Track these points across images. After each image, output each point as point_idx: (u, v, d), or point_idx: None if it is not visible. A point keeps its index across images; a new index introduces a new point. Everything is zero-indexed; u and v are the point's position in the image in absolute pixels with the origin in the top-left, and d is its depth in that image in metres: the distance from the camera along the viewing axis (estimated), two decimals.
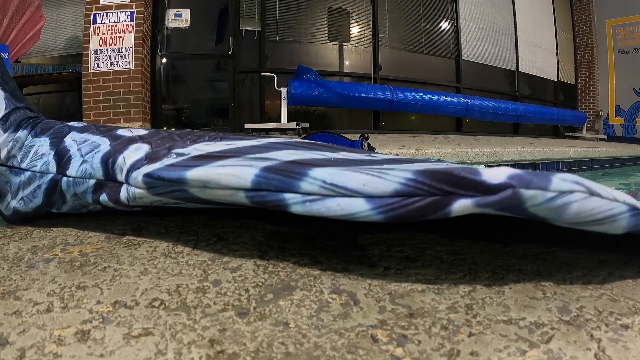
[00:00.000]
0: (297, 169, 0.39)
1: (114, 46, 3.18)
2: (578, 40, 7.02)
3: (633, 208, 0.35)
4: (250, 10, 4.14)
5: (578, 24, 7.03)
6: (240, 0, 4.01)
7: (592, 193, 0.34)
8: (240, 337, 0.33)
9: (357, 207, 0.36)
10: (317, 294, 0.40)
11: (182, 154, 0.51)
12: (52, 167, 0.59)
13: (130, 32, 3.20)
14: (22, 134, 0.65)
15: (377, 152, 0.63)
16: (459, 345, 0.31)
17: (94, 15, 3.17)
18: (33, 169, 0.60)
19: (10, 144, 0.63)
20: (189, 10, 3.64)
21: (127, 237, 0.57)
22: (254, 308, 0.37)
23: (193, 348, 0.31)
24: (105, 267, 0.47)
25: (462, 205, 0.33)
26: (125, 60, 3.18)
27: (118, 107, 3.16)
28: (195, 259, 0.49)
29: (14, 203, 0.61)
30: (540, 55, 6.31)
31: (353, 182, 0.36)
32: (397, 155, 2.16)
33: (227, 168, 0.42)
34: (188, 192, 0.45)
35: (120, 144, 0.57)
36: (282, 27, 4.35)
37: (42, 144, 0.62)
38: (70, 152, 0.59)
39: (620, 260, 0.47)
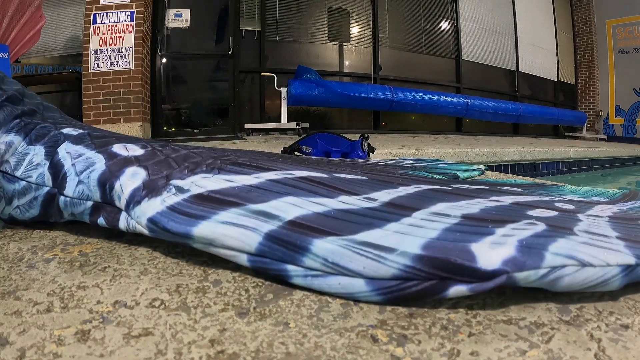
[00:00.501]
0: (299, 241, 0.41)
1: (114, 46, 3.18)
2: (578, 40, 7.03)
3: (626, 268, 0.37)
4: (250, 10, 4.14)
5: (578, 24, 7.04)
6: (240, 0, 4.01)
7: (584, 264, 0.36)
8: (241, 337, 0.33)
9: (358, 287, 0.38)
10: (317, 294, 0.40)
11: (181, 189, 0.51)
12: (48, 180, 0.58)
13: (130, 32, 3.19)
14: (15, 138, 0.62)
15: (370, 185, 0.60)
16: (459, 345, 0.31)
17: (94, 15, 3.17)
18: (28, 179, 0.59)
19: (3, 147, 0.61)
20: (189, 10, 3.64)
21: (127, 237, 0.57)
22: (254, 308, 0.37)
23: (193, 348, 0.31)
24: (105, 267, 0.47)
25: (457, 290, 0.35)
26: (125, 60, 3.18)
27: (118, 107, 3.16)
28: (195, 259, 0.49)
29: (9, 210, 0.61)
30: (540, 55, 6.31)
31: (354, 264, 0.38)
32: (397, 155, 2.16)
33: (233, 229, 0.43)
34: (190, 246, 0.46)
35: (116, 165, 0.56)
36: (282, 27, 4.35)
37: (37, 153, 0.61)
38: (65, 168, 0.58)
39: None
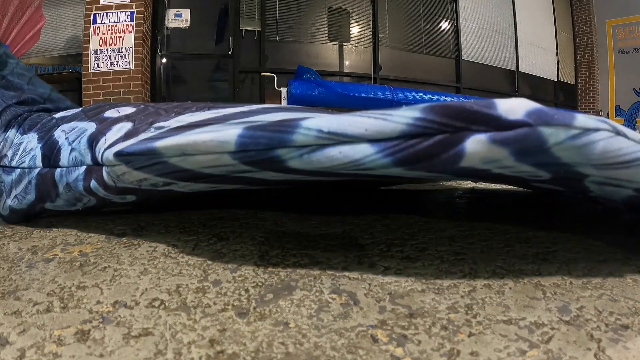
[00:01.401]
0: (286, 123, 0.35)
1: (114, 46, 3.18)
2: (578, 40, 7.02)
3: None
4: (250, 10, 4.14)
5: (578, 24, 7.03)
6: (240, 0, 4.01)
7: (618, 132, 0.31)
8: (240, 337, 0.33)
9: (362, 151, 0.32)
10: (317, 294, 0.40)
11: (161, 128, 0.48)
12: (39, 161, 0.58)
13: (130, 32, 3.20)
14: (11, 133, 0.65)
15: None
16: (459, 345, 0.31)
17: (94, 15, 3.17)
18: (22, 165, 0.59)
19: (1, 144, 0.63)
20: (189, 10, 3.64)
21: (127, 237, 0.57)
22: (254, 308, 0.37)
23: (193, 348, 0.31)
24: (105, 267, 0.47)
25: (476, 142, 0.30)
26: (125, 60, 3.18)
27: None
28: (195, 259, 0.49)
29: (9, 202, 0.61)
30: (540, 55, 6.31)
31: (354, 128, 0.32)
32: None
33: (204, 133, 0.37)
34: (169, 164, 0.40)
35: (105, 125, 0.55)
36: (282, 27, 4.34)
37: (30, 140, 0.62)
38: (59, 143, 0.57)
39: (620, 260, 0.47)
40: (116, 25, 3.19)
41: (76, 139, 0.56)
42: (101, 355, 0.30)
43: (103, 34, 3.18)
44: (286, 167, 0.36)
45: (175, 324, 0.35)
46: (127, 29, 3.20)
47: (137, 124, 0.54)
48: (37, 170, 0.58)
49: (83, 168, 0.54)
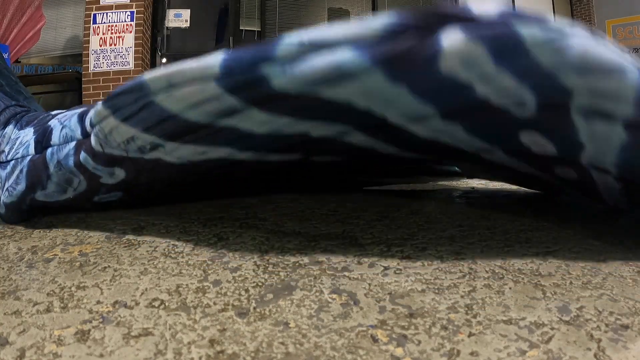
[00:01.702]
0: (268, 41, 0.36)
1: (114, 46, 3.18)
2: None
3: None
4: (250, 10, 4.14)
5: (578, 24, 7.03)
6: (240, 0, 4.01)
7: (596, 37, 0.31)
8: (240, 337, 0.33)
9: (344, 56, 0.33)
10: (317, 294, 0.40)
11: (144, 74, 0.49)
12: (31, 149, 0.59)
13: (130, 32, 3.20)
14: (8, 129, 0.66)
15: None
16: (459, 345, 0.31)
17: (94, 15, 3.17)
18: (16, 156, 0.60)
19: None
20: (189, 10, 3.64)
21: (127, 237, 0.57)
22: (254, 308, 0.37)
23: (193, 348, 0.31)
24: (105, 267, 0.47)
25: (452, 35, 0.30)
26: (125, 60, 3.18)
27: None
28: (195, 259, 0.49)
29: (2, 197, 0.62)
30: None
31: (334, 32, 0.33)
32: None
33: (189, 62, 0.38)
34: (156, 105, 0.40)
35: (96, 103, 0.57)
36: (282, 27, 4.34)
37: (27, 134, 0.63)
38: (52, 126, 0.59)
39: (620, 260, 0.47)
40: (116, 25, 3.19)
41: (67, 119, 0.58)
42: (101, 355, 0.30)
43: (103, 34, 3.17)
44: (271, 90, 0.35)
45: (175, 324, 0.35)
46: (127, 29, 3.20)
47: None
48: (28, 158, 0.59)
49: (73, 143, 0.55)
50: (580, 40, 0.30)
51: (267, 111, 0.40)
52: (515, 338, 0.32)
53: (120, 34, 3.20)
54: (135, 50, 3.18)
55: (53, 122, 0.60)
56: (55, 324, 0.34)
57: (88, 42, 3.16)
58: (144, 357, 0.30)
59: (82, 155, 0.53)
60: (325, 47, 0.33)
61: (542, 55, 0.30)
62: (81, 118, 0.54)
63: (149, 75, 0.39)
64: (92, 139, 0.51)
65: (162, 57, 3.61)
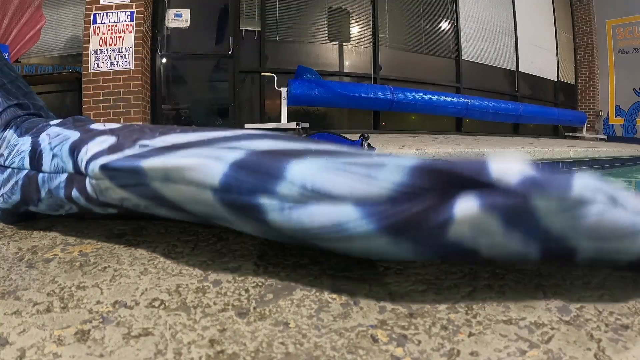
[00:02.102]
0: (271, 169, 0.34)
1: (114, 46, 3.18)
2: (578, 40, 7.03)
3: None
4: (250, 10, 4.14)
5: (578, 24, 7.03)
6: (240, 0, 4.01)
7: (616, 204, 0.30)
8: (240, 337, 0.33)
9: (346, 215, 0.31)
10: (317, 294, 0.40)
11: (145, 146, 0.47)
12: (27, 163, 0.59)
13: (130, 32, 3.20)
14: (9, 133, 0.66)
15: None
16: (459, 345, 0.31)
17: (94, 15, 3.17)
18: (12, 165, 0.60)
19: None
20: (189, 10, 3.64)
21: (127, 237, 0.57)
22: (254, 308, 0.37)
23: (193, 348, 0.31)
24: (105, 267, 0.47)
25: (465, 205, 0.28)
26: (125, 60, 3.18)
27: (118, 107, 3.16)
28: (195, 259, 0.49)
29: None
30: (540, 55, 6.31)
31: (339, 188, 0.31)
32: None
33: (190, 158, 0.37)
34: (151, 188, 0.40)
35: (88, 135, 0.55)
36: (282, 27, 4.35)
37: (25, 142, 0.63)
38: (42, 146, 0.58)
39: None
40: (116, 25, 3.19)
41: (58, 145, 0.57)
42: (101, 355, 0.30)
43: (103, 34, 3.17)
44: (265, 220, 0.34)
45: (175, 324, 0.35)
46: (127, 29, 3.20)
47: (121, 139, 0.53)
48: (25, 172, 0.58)
49: (65, 175, 0.54)
50: (598, 213, 0.29)
51: (258, 225, 0.39)
52: (515, 338, 0.32)
53: (120, 34, 3.19)
54: (135, 50, 3.18)
55: (43, 140, 0.59)
56: (55, 324, 0.34)
57: (88, 42, 3.16)
58: (144, 357, 0.30)
59: (75, 193, 0.52)
60: (328, 199, 0.31)
61: (554, 223, 0.29)
62: (72, 152, 0.53)
63: (147, 162, 0.38)
64: (88, 186, 0.50)
65: (162, 57, 3.61)
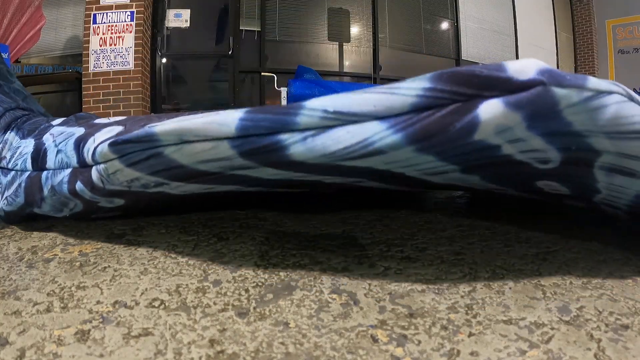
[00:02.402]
0: (290, 107, 0.32)
1: (114, 46, 3.18)
2: (578, 40, 7.03)
3: None
4: (250, 10, 4.14)
5: (578, 24, 7.04)
6: (240, 0, 4.01)
7: (632, 98, 0.30)
8: (240, 337, 0.33)
9: (371, 129, 0.30)
10: (317, 294, 0.40)
11: (154, 126, 0.48)
12: (29, 164, 0.58)
13: (130, 32, 3.20)
14: (10, 135, 0.66)
15: None
16: (459, 345, 0.31)
17: (94, 15, 3.17)
18: (15, 167, 0.60)
19: (0, 145, 0.64)
20: (189, 10, 3.64)
21: (127, 237, 0.57)
22: (254, 308, 0.37)
23: (193, 348, 0.31)
24: (105, 267, 0.47)
25: (490, 107, 0.28)
26: (125, 60, 3.18)
27: (118, 107, 3.16)
28: (195, 259, 0.49)
29: (2, 204, 0.61)
30: (540, 55, 6.31)
31: (361, 106, 0.30)
32: None
33: (204, 117, 0.35)
34: (164, 156, 0.38)
35: (95, 129, 0.54)
36: (282, 27, 4.35)
37: (27, 145, 0.62)
38: (46, 145, 0.57)
39: (620, 260, 0.47)
40: (116, 25, 3.19)
41: (63, 141, 0.55)
42: (101, 355, 0.30)
43: (103, 34, 3.17)
44: (287, 157, 0.33)
45: (175, 324, 0.35)
46: (127, 29, 3.19)
47: (129, 126, 0.52)
48: (27, 174, 0.58)
49: (68, 170, 0.52)
50: (616, 103, 0.29)
51: (280, 169, 0.39)
52: (515, 338, 0.32)
53: (120, 34, 3.19)
54: (135, 50, 3.18)
55: (47, 140, 0.59)
56: (55, 324, 0.34)
57: (88, 42, 3.16)
58: (144, 357, 0.30)
59: (79, 185, 0.50)
60: (352, 120, 0.31)
61: (574, 117, 0.29)
62: (78, 146, 0.51)
63: (160, 127, 0.37)
64: (94, 174, 0.48)
65: (162, 57, 3.61)
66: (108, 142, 0.43)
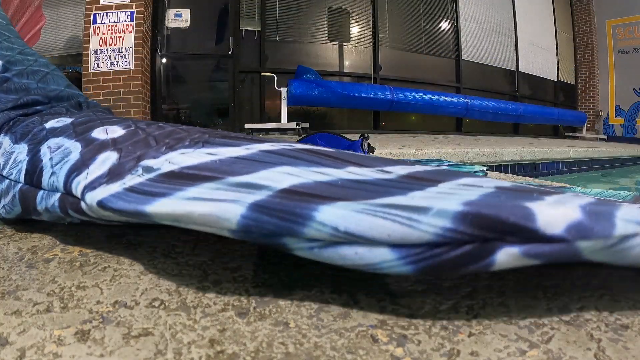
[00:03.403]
0: (297, 209, 0.31)
1: (114, 46, 3.18)
2: (578, 40, 7.03)
3: None
4: (250, 10, 4.15)
5: (578, 24, 7.04)
6: (240, 0, 4.01)
7: None
8: (240, 337, 0.33)
9: (381, 256, 0.29)
10: (317, 294, 0.40)
11: (150, 169, 0.43)
12: (22, 176, 0.56)
13: (130, 32, 3.20)
14: (4, 140, 0.64)
15: (382, 161, 0.49)
16: (459, 345, 0.31)
17: (94, 15, 3.17)
18: (10, 177, 0.58)
19: None
20: (189, 10, 3.64)
21: (127, 237, 0.57)
22: (254, 308, 0.37)
23: (193, 348, 0.31)
24: (105, 267, 0.47)
25: (508, 254, 0.28)
26: (125, 60, 3.18)
27: (118, 107, 3.16)
28: (195, 259, 0.49)
29: (1, 212, 0.61)
30: (540, 55, 6.31)
31: (374, 232, 0.29)
32: (397, 155, 2.16)
33: (202, 204, 0.34)
34: (158, 223, 0.38)
35: (90, 152, 0.52)
36: (282, 27, 4.35)
37: (21, 151, 0.60)
38: (43, 163, 0.55)
39: None
40: (116, 25, 3.19)
41: (59, 162, 0.54)
42: (101, 355, 0.30)
43: (103, 34, 3.17)
44: (291, 253, 0.33)
45: (175, 324, 0.35)
46: (127, 29, 3.19)
47: (123, 157, 0.49)
48: (20, 186, 0.56)
49: (58, 195, 0.51)
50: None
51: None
52: (515, 338, 0.32)
53: (120, 34, 3.19)
54: (135, 50, 3.18)
55: (44, 155, 0.57)
56: (55, 324, 0.34)
57: (88, 42, 3.16)
58: (144, 357, 0.30)
59: (70, 212, 0.49)
60: (362, 241, 0.30)
61: (595, 257, 0.29)
62: (70, 174, 0.49)
63: (153, 208, 0.36)
64: (84, 209, 0.46)
65: (162, 57, 3.60)
66: (96, 199, 0.42)
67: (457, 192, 0.34)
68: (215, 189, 0.36)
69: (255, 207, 0.33)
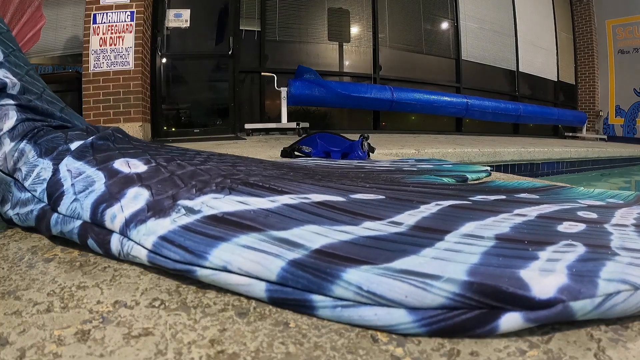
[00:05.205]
0: (328, 268, 0.36)
1: (114, 46, 3.18)
2: (578, 40, 7.03)
3: None
4: (250, 10, 4.15)
5: (578, 24, 7.04)
6: (240, 0, 4.01)
7: (637, 288, 0.34)
8: (241, 337, 0.33)
9: (398, 318, 0.33)
10: None
11: (192, 210, 0.47)
12: (45, 196, 0.57)
13: (130, 32, 3.19)
14: (26, 147, 0.63)
15: (391, 208, 0.57)
16: (459, 345, 0.31)
17: (94, 15, 3.17)
18: (33, 192, 0.58)
19: (16, 154, 0.63)
20: (189, 10, 3.64)
21: None
22: (254, 308, 0.37)
23: (193, 348, 0.31)
24: (105, 267, 0.47)
25: (510, 319, 0.32)
26: (125, 60, 3.18)
27: (118, 107, 3.16)
28: None
29: (11, 213, 0.61)
30: (540, 55, 6.31)
31: (394, 293, 0.34)
32: (397, 155, 2.16)
33: (254, 253, 0.39)
34: (195, 273, 0.41)
35: (116, 185, 0.53)
36: (282, 27, 4.35)
37: (45, 168, 0.60)
38: (64, 188, 0.56)
39: None
40: (116, 25, 3.18)
41: (83, 190, 0.54)
42: (101, 355, 0.30)
43: (103, 34, 3.17)
44: (313, 314, 0.37)
45: (176, 323, 0.35)
46: (127, 29, 3.19)
47: (156, 194, 0.52)
48: (42, 205, 0.57)
49: (79, 222, 0.51)
50: (624, 300, 0.33)
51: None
52: (515, 338, 0.32)
53: (120, 34, 3.19)
54: (135, 50, 3.18)
55: (65, 180, 0.57)
56: (56, 324, 0.34)
57: (88, 42, 3.16)
58: (144, 357, 0.30)
59: (91, 242, 0.50)
60: (382, 303, 0.34)
61: (587, 317, 0.33)
62: (97, 206, 0.51)
63: (217, 251, 0.40)
64: (112, 245, 0.48)
65: (162, 57, 3.61)
66: (157, 233, 0.44)
67: (462, 249, 0.41)
68: (262, 240, 0.42)
69: (294, 263, 0.38)
